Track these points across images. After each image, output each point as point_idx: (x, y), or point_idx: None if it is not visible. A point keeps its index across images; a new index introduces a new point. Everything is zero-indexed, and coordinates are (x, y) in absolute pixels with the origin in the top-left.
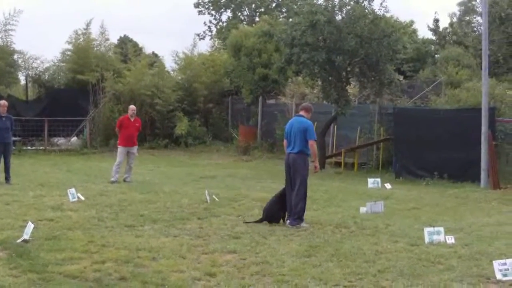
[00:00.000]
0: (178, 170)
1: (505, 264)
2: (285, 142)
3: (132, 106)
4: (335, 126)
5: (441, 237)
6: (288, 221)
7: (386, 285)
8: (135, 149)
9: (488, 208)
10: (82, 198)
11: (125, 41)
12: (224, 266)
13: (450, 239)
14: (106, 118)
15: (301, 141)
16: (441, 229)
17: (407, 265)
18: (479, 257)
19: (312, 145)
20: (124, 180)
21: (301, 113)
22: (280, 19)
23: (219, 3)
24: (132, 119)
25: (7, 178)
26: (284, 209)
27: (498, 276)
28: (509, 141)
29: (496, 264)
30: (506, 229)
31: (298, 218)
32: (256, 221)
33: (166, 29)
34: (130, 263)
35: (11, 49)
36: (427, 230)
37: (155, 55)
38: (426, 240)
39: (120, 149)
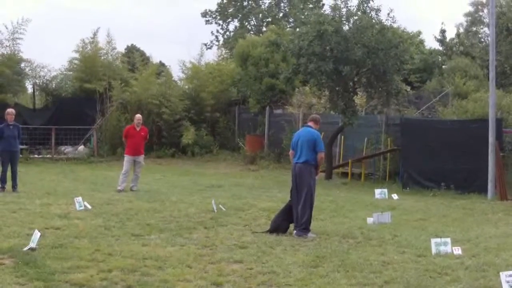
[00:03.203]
0: (184, 179)
1: None
2: (291, 152)
3: (138, 115)
4: (342, 137)
5: (448, 248)
6: (295, 231)
7: None
8: (141, 158)
9: (495, 219)
10: (89, 206)
11: (132, 50)
12: (230, 275)
13: (457, 250)
14: (113, 127)
15: (308, 151)
16: (448, 240)
17: (414, 276)
18: (486, 268)
19: (321, 156)
20: (131, 189)
21: (309, 124)
22: (287, 29)
23: (226, 13)
24: (138, 128)
25: (14, 186)
26: (290, 219)
27: (505, 287)
28: None
29: (503, 275)
30: None
31: (304, 228)
32: (264, 232)
33: (173, 38)
34: (136, 272)
35: (19, 57)
36: (434, 241)
37: (162, 64)
38: (433, 251)
39: (127, 158)
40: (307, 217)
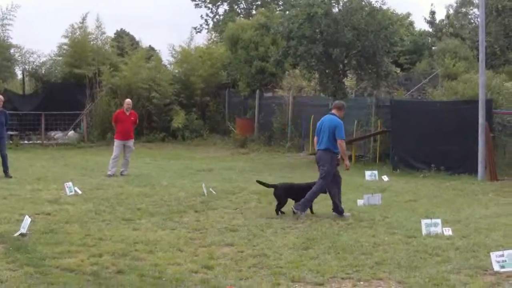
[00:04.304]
0: (175, 163)
1: (502, 255)
2: (315, 138)
3: (127, 100)
4: None
5: (438, 229)
6: (294, 205)
7: (384, 277)
8: (131, 142)
9: (486, 200)
10: (79, 191)
11: (121, 35)
12: (221, 259)
13: (448, 231)
14: (102, 112)
15: (329, 138)
16: (439, 221)
17: (404, 257)
18: (476, 248)
19: (341, 144)
20: (121, 174)
21: (333, 111)
22: (277, 12)
23: None
24: (127, 113)
25: (5, 171)
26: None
27: (496, 267)
28: (507, 133)
29: (494, 255)
30: (503, 221)
31: (302, 204)
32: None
33: (163, 22)
34: (127, 256)
35: (8, 43)
36: (424, 222)
37: (151, 48)
38: (424, 232)
39: (117, 143)
40: (314, 197)
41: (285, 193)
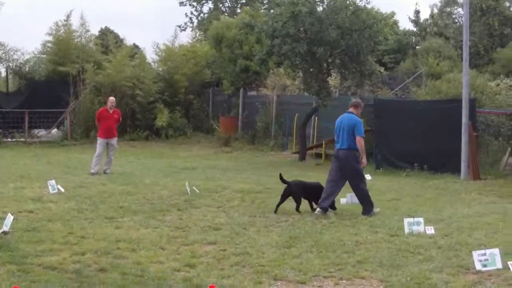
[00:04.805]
0: (158, 161)
1: (484, 254)
2: (335, 137)
3: (111, 98)
4: (316, 118)
5: (420, 228)
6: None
7: (366, 276)
8: (114, 140)
9: (468, 199)
10: (62, 189)
11: (106, 33)
12: (203, 257)
13: (430, 230)
14: (86, 109)
15: (349, 136)
16: (421, 219)
17: (386, 255)
18: (458, 247)
19: (359, 141)
20: (104, 172)
21: (351, 109)
22: (262, 11)
23: None
24: (111, 111)
25: None
26: (307, 196)
27: (478, 266)
28: (490, 132)
29: (476, 254)
30: (485, 220)
31: (369, 210)
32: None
33: (147, 20)
34: (109, 254)
35: None
36: (407, 220)
37: (136, 46)
38: (406, 230)
39: (100, 141)
40: (367, 196)
41: (299, 191)
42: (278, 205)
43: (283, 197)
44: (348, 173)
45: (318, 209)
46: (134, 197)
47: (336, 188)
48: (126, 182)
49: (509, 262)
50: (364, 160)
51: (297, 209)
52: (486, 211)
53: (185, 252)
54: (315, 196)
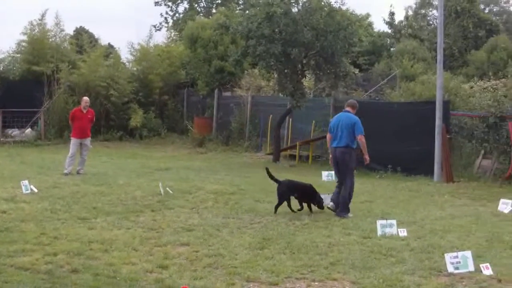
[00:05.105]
0: (132, 162)
1: (456, 257)
2: (329, 136)
3: (85, 98)
4: (290, 119)
5: (393, 230)
6: (337, 212)
7: (338, 278)
8: (88, 141)
9: (441, 201)
10: (35, 190)
11: (80, 32)
12: (176, 258)
13: (403, 232)
14: (60, 109)
15: (349, 135)
16: (394, 221)
17: (359, 257)
18: (431, 250)
19: (361, 139)
20: (78, 172)
21: (348, 109)
22: (237, 11)
23: None
24: (84, 111)
25: None
26: (294, 194)
27: (450, 269)
28: (463, 134)
29: (448, 257)
30: (458, 222)
31: (343, 209)
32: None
33: (123, 20)
34: (82, 255)
35: None
36: (379, 222)
37: (110, 46)
38: (379, 232)
39: (73, 141)
40: (346, 199)
41: (288, 190)
42: (276, 207)
43: (278, 197)
44: (343, 169)
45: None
46: (107, 197)
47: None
48: (99, 182)
49: (481, 265)
50: (366, 157)
51: (290, 207)
52: (458, 214)
53: (158, 253)
54: (305, 197)
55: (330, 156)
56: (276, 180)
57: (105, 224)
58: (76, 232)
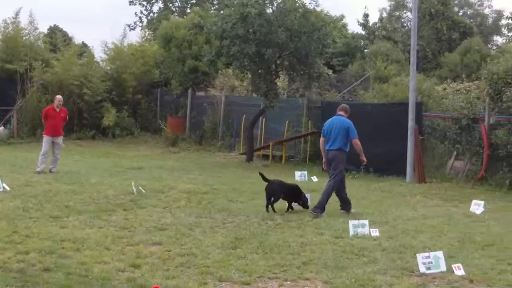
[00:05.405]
0: (105, 161)
1: (428, 257)
2: (322, 139)
3: (58, 96)
4: (264, 119)
5: (365, 230)
6: (312, 208)
7: (310, 277)
8: (60, 139)
9: (413, 202)
10: (8, 188)
11: (54, 31)
12: (148, 257)
13: (375, 232)
14: (33, 108)
15: (343, 138)
16: (366, 222)
17: (331, 257)
18: (403, 250)
19: (357, 142)
20: (50, 171)
21: (340, 113)
22: (212, 11)
23: None
24: (58, 110)
25: None
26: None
27: (422, 269)
28: (436, 135)
29: (420, 257)
30: (430, 223)
31: (319, 207)
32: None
33: (97, 19)
34: (54, 254)
35: None
36: (352, 222)
37: (84, 45)
38: (351, 232)
39: (45, 138)
40: (328, 196)
41: (279, 189)
42: (267, 206)
43: (268, 196)
44: (332, 169)
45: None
46: (79, 196)
47: (340, 186)
48: (72, 181)
49: (453, 265)
50: (363, 158)
51: (272, 206)
52: (431, 214)
53: (130, 253)
54: (292, 197)
55: (323, 160)
56: (266, 180)
57: (77, 223)
58: (48, 230)
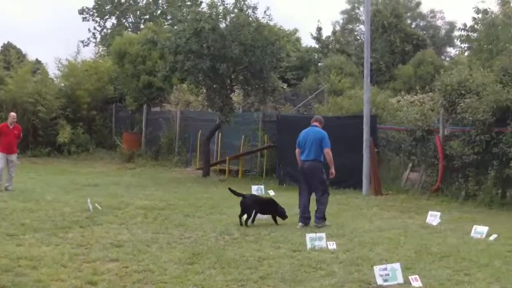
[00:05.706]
0: (60, 178)
1: (385, 269)
2: (297, 150)
3: (12, 114)
4: (220, 134)
5: (322, 243)
6: (315, 220)
7: None
8: (14, 157)
9: (370, 214)
10: None
11: (8, 48)
12: (105, 274)
13: (332, 245)
14: None
15: (317, 149)
16: (323, 235)
17: (289, 271)
18: (360, 262)
19: (328, 152)
20: (6, 189)
21: (315, 124)
22: (165, 26)
23: (103, 10)
24: (11, 127)
25: None
26: (258, 210)
27: (379, 281)
28: (391, 148)
29: (377, 269)
30: (387, 235)
31: (321, 217)
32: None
33: (50, 35)
34: (10, 272)
35: None
36: (309, 236)
37: (38, 62)
38: (308, 246)
39: (0, 155)
40: (323, 209)
41: (253, 203)
42: (240, 217)
43: (242, 210)
44: (314, 183)
45: (300, 223)
46: (35, 214)
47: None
48: (27, 199)
49: (410, 277)
50: (332, 170)
51: (246, 221)
52: (387, 226)
53: (87, 270)
54: (268, 211)
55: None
56: (239, 194)
57: (33, 241)
58: (4, 248)
